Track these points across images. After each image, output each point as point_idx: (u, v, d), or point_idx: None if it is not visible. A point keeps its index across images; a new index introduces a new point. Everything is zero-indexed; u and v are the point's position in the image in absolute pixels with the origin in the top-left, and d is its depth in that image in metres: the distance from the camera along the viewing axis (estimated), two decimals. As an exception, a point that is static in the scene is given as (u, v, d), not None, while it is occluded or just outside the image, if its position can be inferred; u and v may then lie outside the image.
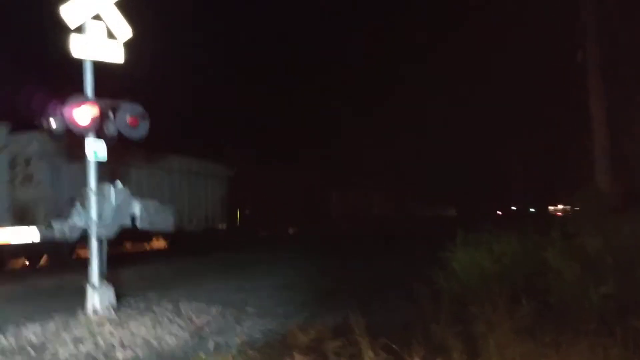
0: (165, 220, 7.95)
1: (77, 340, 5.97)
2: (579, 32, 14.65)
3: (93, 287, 6.98)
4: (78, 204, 7.27)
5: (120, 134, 7.21)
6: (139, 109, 7.31)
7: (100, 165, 7.15)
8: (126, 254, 16.50)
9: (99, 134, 7.13)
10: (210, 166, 20.94)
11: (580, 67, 14.77)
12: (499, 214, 50.52)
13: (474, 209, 49.79)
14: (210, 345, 5.87)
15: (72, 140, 7.49)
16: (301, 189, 29.28)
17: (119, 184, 7.42)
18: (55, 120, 6.95)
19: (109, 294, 7.12)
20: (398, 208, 46.04)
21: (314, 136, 37.61)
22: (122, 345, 5.86)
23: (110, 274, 7.30)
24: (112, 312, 7.00)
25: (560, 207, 37.82)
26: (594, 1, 14.28)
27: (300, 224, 28.77)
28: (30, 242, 12.48)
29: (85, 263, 7.16)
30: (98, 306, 6.93)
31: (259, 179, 24.75)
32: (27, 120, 11.31)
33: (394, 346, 4.34)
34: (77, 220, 7.21)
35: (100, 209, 7.13)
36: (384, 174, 43.87)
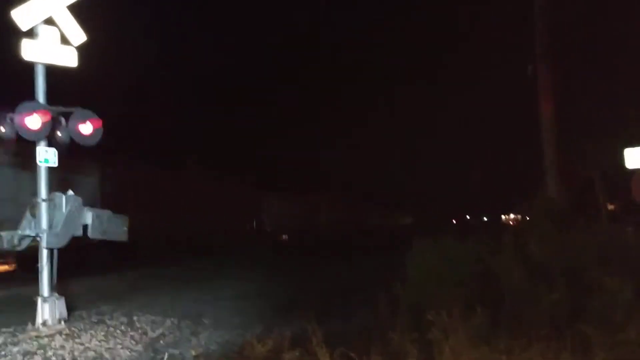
0: (118, 230, 7.76)
1: (27, 354, 5.78)
2: (531, 46, 15.13)
3: (43, 298, 6.77)
4: (28, 213, 7.05)
5: (72, 140, 7.05)
6: (91, 115, 7.16)
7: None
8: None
9: (50, 141, 6.96)
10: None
11: (531, 80, 15.23)
12: (453, 222, 51.45)
13: (431, 218, 50.46)
14: (165, 357, 5.76)
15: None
16: (223, 193, 25.57)
17: (70, 192, 7.23)
18: (4, 126, 6.73)
19: (60, 305, 6.92)
20: (349, 216, 42.68)
21: (247, 136, 35.30)
22: (74, 359, 5.69)
23: (61, 286, 7.09)
24: (63, 324, 6.80)
25: (512, 216, 38.85)
26: (544, 15, 14.75)
27: (224, 234, 24.57)
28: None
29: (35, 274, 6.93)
30: (48, 318, 6.72)
31: (162, 181, 21.05)
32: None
33: (351, 354, 4.35)
34: (27, 229, 6.99)
35: (51, 218, 6.93)
36: (332, 179, 41.51)
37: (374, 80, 39.18)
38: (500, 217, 45.87)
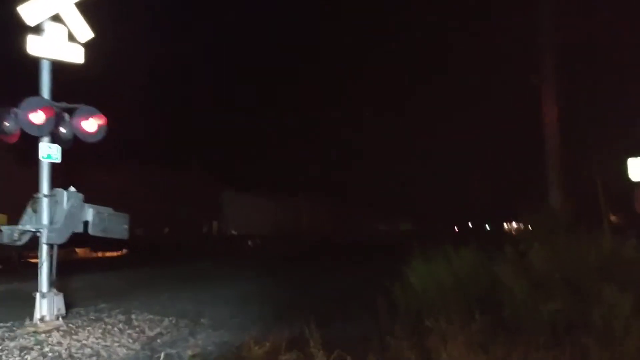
0: (118, 227, 7.75)
1: (23, 349, 5.77)
2: (535, 54, 15.12)
3: (42, 294, 6.76)
4: (29, 208, 7.05)
5: (75, 136, 7.06)
6: (95, 112, 7.17)
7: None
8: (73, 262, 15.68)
9: (54, 137, 6.96)
10: None
11: (535, 88, 15.22)
12: (455, 230, 51.24)
13: (431, 224, 50.19)
14: (162, 357, 5.74)
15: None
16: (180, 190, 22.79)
17: (72, 188, 7.23)
18: (8, 120, 6.74)
19: (59, 302, 6.91)
20: (340, 221, 40.17)
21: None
22: (70, 355, 5.68)
23: (59, 282, 7.09)
24: (61, 320, 6.80)
25: (514, 224, 38.67)
26: (549, 25, 14.75)
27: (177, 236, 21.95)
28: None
29: (35, 269, 6.93)
30: (46, 314, 6.72)
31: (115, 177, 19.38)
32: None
33: (349, 358, 4.34)
34: (27, 224, 6.99)
35: (52, 214, 6.93)
36: (326, 182, 39.31)
37: (376, 82, 38.54)
38: (503, 226, 45.66)
